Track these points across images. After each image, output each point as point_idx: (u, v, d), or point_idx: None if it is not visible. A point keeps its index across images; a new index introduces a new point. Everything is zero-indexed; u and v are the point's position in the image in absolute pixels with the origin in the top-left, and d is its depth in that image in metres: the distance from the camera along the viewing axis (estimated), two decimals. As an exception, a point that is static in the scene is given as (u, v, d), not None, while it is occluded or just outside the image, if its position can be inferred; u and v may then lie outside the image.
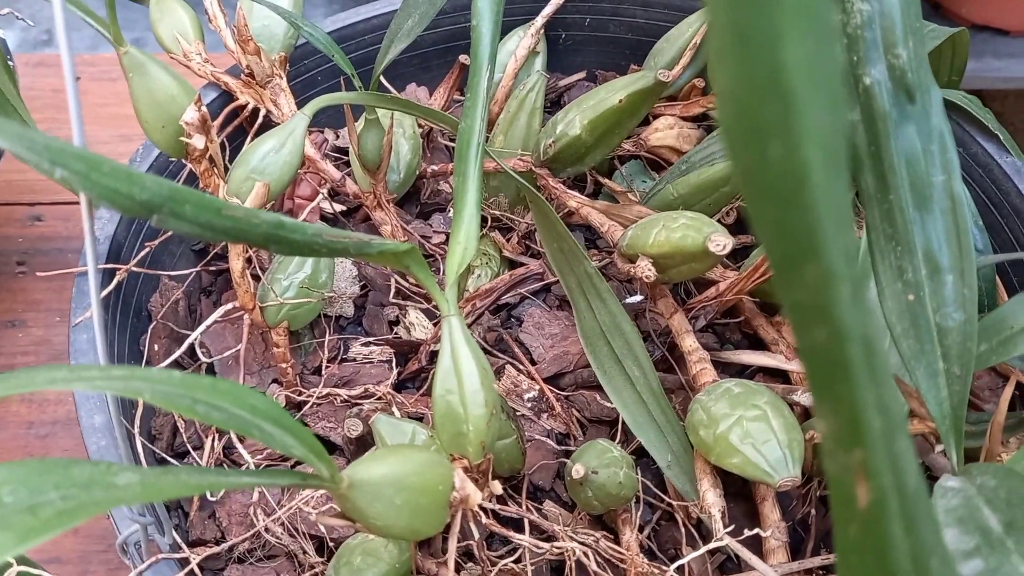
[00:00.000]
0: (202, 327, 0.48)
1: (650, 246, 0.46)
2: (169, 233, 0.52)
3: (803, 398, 0.46)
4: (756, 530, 0.42)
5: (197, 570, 0.40)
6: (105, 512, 0.24)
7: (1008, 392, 0.39)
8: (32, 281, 0.73)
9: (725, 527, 0.43)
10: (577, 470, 0.42)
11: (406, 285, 0.55)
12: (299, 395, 0.50)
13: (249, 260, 0.52)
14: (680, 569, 0.42)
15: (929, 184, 0.36)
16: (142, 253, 0.51)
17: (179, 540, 0.40)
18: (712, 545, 0.41)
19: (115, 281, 0.48)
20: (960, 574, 0.27)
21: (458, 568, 0.46)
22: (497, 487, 0.39)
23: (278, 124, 0.52)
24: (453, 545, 0.36)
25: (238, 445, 0.47)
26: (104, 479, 0.24)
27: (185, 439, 0.48)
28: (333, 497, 0.32)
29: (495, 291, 0.52)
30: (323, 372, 0.51)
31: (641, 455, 0.50)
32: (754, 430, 0.42)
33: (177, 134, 0.44)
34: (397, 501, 0.32)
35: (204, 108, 0.43)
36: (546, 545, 0.41)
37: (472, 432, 0.38)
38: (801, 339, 0.18)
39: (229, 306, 0.48)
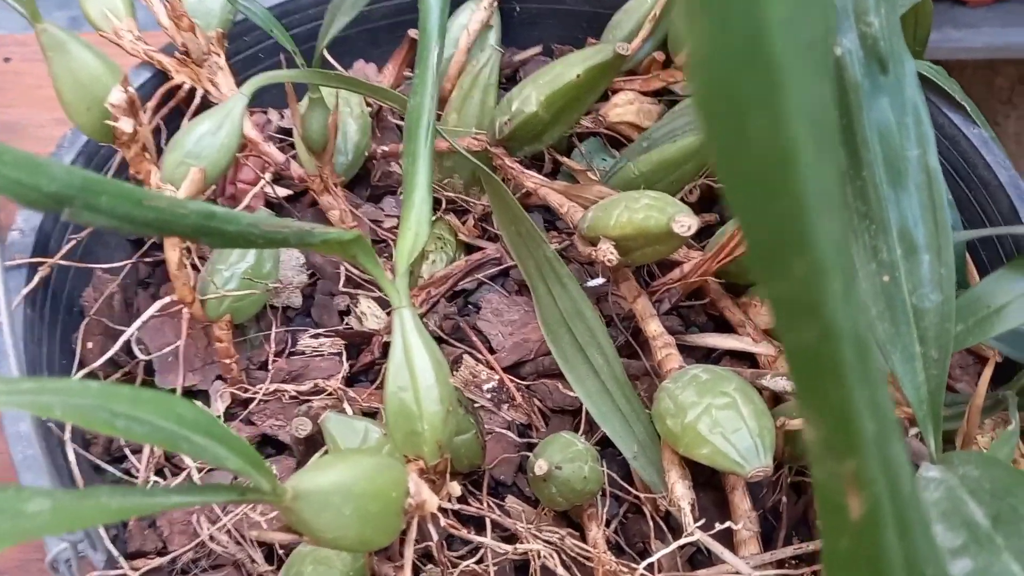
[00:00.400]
0: (138, 323, 0.45)
1: (612, 228, 0.44)
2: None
3: (772, 383, 0.44)
4: (727, 523, 0.40)
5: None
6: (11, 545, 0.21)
7: (987, 374, 0.38)
8: None
9: (695, 519, 0.41)
10: (540, 466, 0.40)
11: (357, 273, 0.52)
12: (245, 392, 0.48)
13: (188, 250, 0.49)
14: (650, 566, 0.41)
15: (904, 159, 0.34)
16: (71, 244, 0.47)
17: (116, 553, 0.38)
18: (683, 541, 0.40)
19: (38, 277, 0.44)
20: (950, 574, 0.26)
21: (416, 571, 0.44)
22: (455, 488, 0.37)
23: (217, 104, 0.49)
24: (410, 552, 0.34)
25: (186, 458, 0.44)
26: (11, 506, 0.21)
27: (123, 442, 0.45)
28: (278, 509, 0.29)
29: (451, 277, 0.49)
30: (270, 367, 0.49)
31: (606, 445, 0.48)
32: (723, 419, 0.40)
33: (103, 117, 0.40)
34: (346, 511, 0.30)
35: (131, 89, 0.39)
36: (508, 547, 0.39)
37: (427, 431, 0.36)
38: (786, 338, 0.16)
39: (167, 300, 0.45)
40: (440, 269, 0.51)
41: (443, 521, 0.39)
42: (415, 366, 0.36)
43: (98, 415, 0.23)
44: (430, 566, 0.44)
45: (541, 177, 0.52)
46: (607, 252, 0.43)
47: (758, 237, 0.14)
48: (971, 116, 0.56)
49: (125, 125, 0.40)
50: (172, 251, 0.44)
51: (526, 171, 0.52)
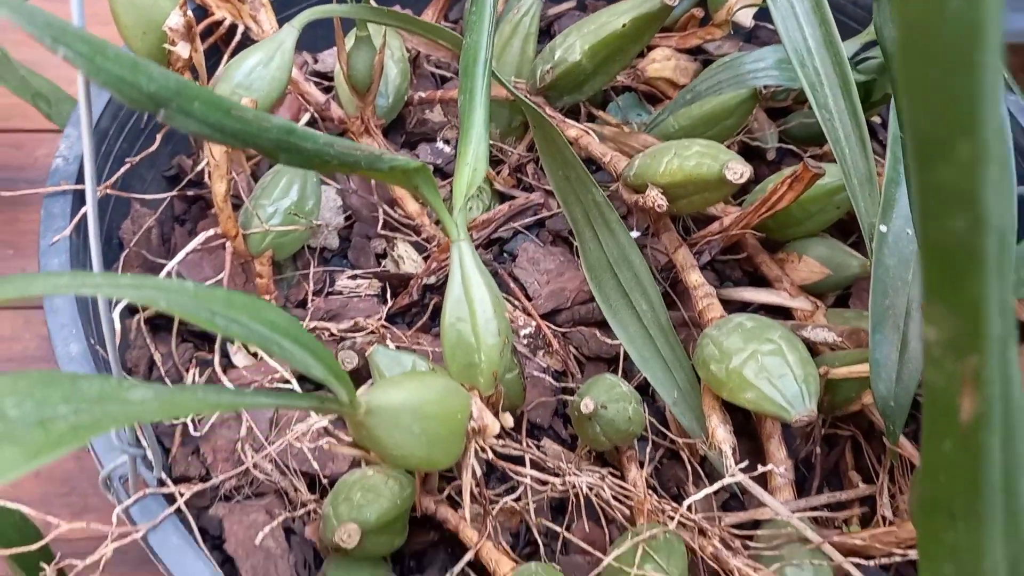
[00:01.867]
0: (180, 255, 0.45)
1: (661, 175, 0.44)
2: (139, 156, 0.48)
3: (812, 333, 0.45)
4: (769, 466, 0.40)
5: (184, 508, 0.38)
6: (121, 427, 0.21)
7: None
8: (24, 212, 0.68)
9: (736, 464, 0.41)
10: (586, 404, 0.41)
11: (394, 216, 0.52)
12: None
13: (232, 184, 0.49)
14: (688, 507, 0.41)
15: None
16: (112, 178, 0.47)
17: (165, 476, 0.38)
18: (724, 482, 0.40)
19: (83, 211, 0.44)
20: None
21: (456, 507, 0.44)
22: (508, 420, 0.37)
23: (256, 42, 0.48)
24: (468, 478, 0.34)
25: (222, 377, 0.44)
26: (117, 394, 0.21)
27: (163, 372, 0.45)
28: (348, 424, 0.30)
29: (493, 222, 0.49)
30: (308, 305, 0.49)
31: (642, 392, 0.48)
32: (770, 364, 0.41)
33: (160, 41, 0.40)
34: (416, 429, 0.30)
35: (190, 13, 0.39)
36: (555, 479, 0.39)
37: (484, 362, 0.36)
38: (931, 227, 0.16)
39: (210, 232, 0.44)
40: (479, 215, 0.51)
41: (488, 454, 0.39)
42: (474, 299, 0.36)
43: (200, 312, 0.23)
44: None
45: (583, 126, 0.52)
46: (656, 198, 0.44)
47: (928, 120, 0.15)
48: (1008, 84, 0.56)
49: (182, 50, 0.39)
50: (219, 183, 0.44)
51: (567, 120, 0.52)
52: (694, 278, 0.47)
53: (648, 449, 0.45)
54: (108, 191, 0.47)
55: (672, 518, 0.40)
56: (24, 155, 0.73)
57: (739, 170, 0.42)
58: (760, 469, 0.40)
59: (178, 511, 0.38)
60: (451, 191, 0.39)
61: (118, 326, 0.41)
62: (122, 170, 0.47)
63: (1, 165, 0.72)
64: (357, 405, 0.29)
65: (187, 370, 0.45)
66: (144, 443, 0.35)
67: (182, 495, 0.37)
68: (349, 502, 0.38)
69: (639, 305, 0.45)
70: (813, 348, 0.47)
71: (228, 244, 0.46)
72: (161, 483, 0.37)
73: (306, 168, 0.31)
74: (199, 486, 0.41)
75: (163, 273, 0.45)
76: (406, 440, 0.30)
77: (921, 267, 0.18)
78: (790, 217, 0.50)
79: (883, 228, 0.40)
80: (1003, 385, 0.19)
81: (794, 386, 0.40)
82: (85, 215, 0.43)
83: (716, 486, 0.40)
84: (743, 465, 0.41)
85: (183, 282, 0.24)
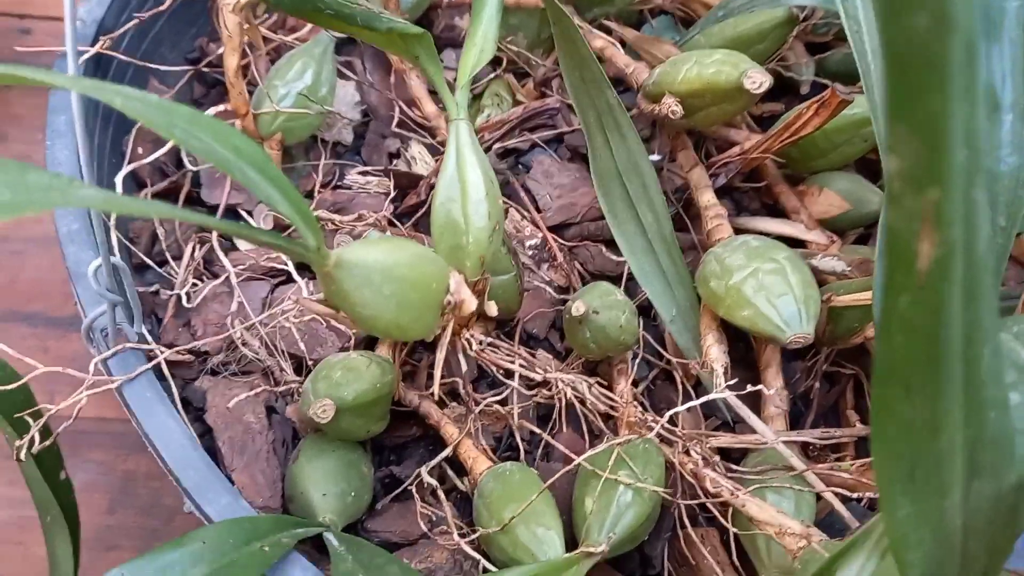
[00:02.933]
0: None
1: (680, 83, 0.43)
2: (159, 26, 0.48)
3: (822, 262, 0.43)
4: (759, 386, 0.39)
5: (165, 366, 0.38)
6: (59, 207, 0.21)
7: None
8: (16, 96, 0.69)
9: (726, 383, 0.40)
10: (578, 307, 0.40)
11: (411, 116, 0.52)
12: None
13: (246, 68, 0.49)
14: (673, 423, 0.40)
15: (1001, 10, 0.32)
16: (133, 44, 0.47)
17: (148, 335, 0.38)
18: (711, 396, 0.39)
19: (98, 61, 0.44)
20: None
21: (442, 405, 0.44)
22: (492, 308, 0.37)
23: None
24: (441, 356, 0.34)
25: (220, 255, 0.44)
26: (63, 187, 0.21)
27: (164, 246, 0.45)
28: (318, 277, 0.29)
29: (507, 123, 0.48)
30: (316, 195, 0.48)
31: (644, 314, 0.47)
32: (769, 283, 0.40)
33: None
34: (385, 290, 0.30)
35: None
36: (542, 387, 0.39)
37: (472, 244, 0.36)
38: (891, 29, 0.15)
39: (221, 108, 0.44)
40: (492, 117, 0.50)
41: (473, 347, 0.39)
42: (467, 179, 0.36)
43: (158, 119, 0.23)
44: (454, 403, 0.44)
45: (609, 38, 0.51)
46: (671, 104, 0.42)
47: None
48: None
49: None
50: (232, 56, 0.43)
51: (595, 30, 0.51)
52: (706, 198, 0.46)
53: (637, 365, 0.44)
54: (127, 58, 0.46)
55: (652, 428, 0.39)
56: (62, 41, 0.74)
57: (758, 79, 0.40)
58: (749, 388, 0.39)
59: (159, 374, 0.38)
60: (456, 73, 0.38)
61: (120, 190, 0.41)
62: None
63: (39, 51, 0.73)
64: (325, 255, 0.28)
65: (187, 243, 0.45)
66: (127, 294, 0.34)
67: (161, 352, 0.37)
68: (328, 380, 0.38)
69: (645, 217, 0.44)
70: (820, 279, 0.45)
71: (237, 123, 0.46)
72: (142, 339, 0.37)
73: (298, 13, 0.30)
74: (186, 358, 0.42)
75: (167, 146, 0.45)
76: (375, 300, 0.29)
77: (884, 83, 0.16)
78: (814, 147, 0.49)
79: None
80: (966, 230, 0.18)
81: (792, 306, 0.39)
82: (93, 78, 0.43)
83: (701, 400, 0.39)
84: (733, 382, 0.40)
85: (147, 94, 0.24)
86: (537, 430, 0.41)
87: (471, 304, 0.32)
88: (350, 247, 0.29)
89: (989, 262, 0.19)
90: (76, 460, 0.57)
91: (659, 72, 0.44)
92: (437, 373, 0.34)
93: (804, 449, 0.44)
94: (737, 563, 0.41)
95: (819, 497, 0.40)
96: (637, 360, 0.44)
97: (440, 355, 0.34)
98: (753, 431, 0.41)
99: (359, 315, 0.30)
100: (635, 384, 0.45)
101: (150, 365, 0.36)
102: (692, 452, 0.38)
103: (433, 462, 0.41)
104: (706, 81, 0.42)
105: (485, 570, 0.36)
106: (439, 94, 0.36)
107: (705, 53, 0.43)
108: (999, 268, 0.33)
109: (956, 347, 0.19)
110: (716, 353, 0.42)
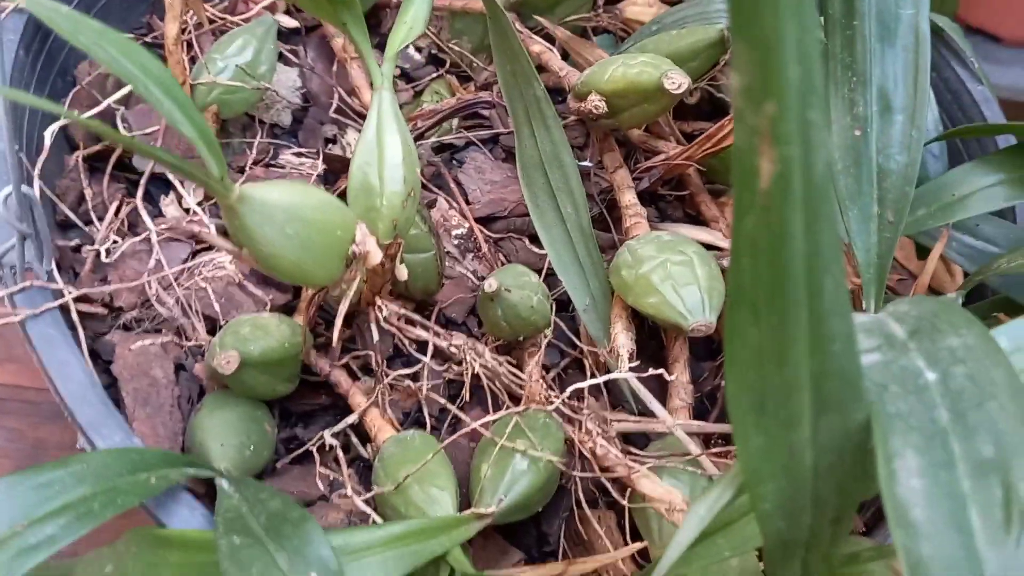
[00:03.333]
0: (121, 93, 0.45)
1: (605, 82, 0.45)
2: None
3: (732, 263, 0.45)
4: (660, 371, 0.40)
5: (75, 314, 0.38)
6: None
7: (938, 250, 0.38)
8: None
9: (632, 370, 0.41)
10: (490, 283, 0.41)
11: (351, 104, 0.53)
12: (219, 189, 0.48)
13: (189, 44, 0.49)
14: (580, 400, 0.41)
15: (896, 17, 0.34)
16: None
17: (58, 277, 0.38)
18: (614, 375, 0.40)
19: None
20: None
21: (354, 377, 0.44)
22: (403, 272, 0.38)
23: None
24: (343, 308, 0.34)
25: (144, 215, 0.44)
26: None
27: (90, 206, 0.46)
28: (222, 210, 0.30)
29: (439, 113, 0.50)
30: (247, 171, 0.49)
31: (562, 308, 0.48)
32: (677, 273, 0.41)
33: None
34: (288, 230, 0.30)
35: None
36: (446, 344, 0.39)
37: (385, 207, 0.37)
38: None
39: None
40: (426, 107, 0.52)
41: (384, 313, 0.39)
42: (385, 143, 0.37)
43: (67, 25, 0.24)
44: (366, 377, 0.45)
45: (546, 43, 0.53)
46: (594, 100, 0.44)
47: None
48: (976, 75, 0.57)
49: None
50: (172, 24, 0.44)
51: (533, 36, 0.53)
52: (627, 198, 0.48)
53: (550, 353, 0.45)
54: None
55: (553, 403, 0.40)
56: None
57: (678, 80, 0.42)
58: (651, 372, 0.40)
59: (67, 316, 0.39)
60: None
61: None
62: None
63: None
64: (229, 186, 0.29)
65: (112, 202, 0.46)
66: (37, 227, 0.35)
67: (69, 292, 0.37)
68: (236, 335, 0.38)
69: (564, 207, 0.45)
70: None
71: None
72: (50, 277, 0.37)
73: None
74: (99, 310, 0.42)
75: (95, 111, 0.45)
76: (277, 239, 0.30)
77: (728, 6, 0.18)
78: (736, 160, 0.50)
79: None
80: (804, 149, 0.19)
81: (696, 295, 0.40)
82: (34, 36, 0.43)
83: (604, 378, 0.40)
84: (636, 364, 0.41)
85: (60, 4, 0.25)
86: (444, 401, 0.42)
87: (376, 256, 0.33)
88: (254, 184, 0.30)
89: (827, 188, 0.20)
90: (-14, 426, 0.56)
91: (588, 72, 0.46)
92: (338, 322, 0.34)
93: (706, 444, 0.45)
94: (631, 543, 0.41)
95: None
96: (546, 344, 0.44)
97: (343, 306, 0.34)
98: (655, 418, 0.42)
99: (260, 253, 0.30)
100: (546, 370, 0.46)
101: (57, 303, 0.36)
102: (591, 427, 0.39)
103: (339, 426, 0.41)
104: (630, 81, 0.43)
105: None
106: (364, 63, 0.37)
107: (632, 56, 0.45)
108: (885, 261, 0.35)
109: (799, 272, 0.21)
110: (623, 340, 0.43)
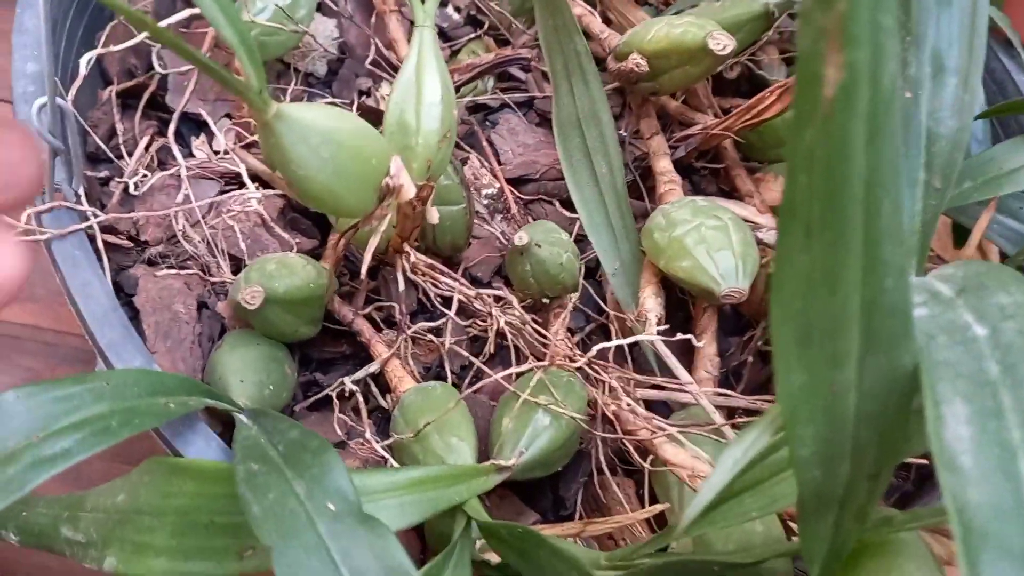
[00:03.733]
0: (164, 22, 0.45)
1: (648, 42, 0.44)
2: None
3: (767, 235, 0.44)
4: (688, 336, 0.39)
5: (98, 234, 0.38)
6: None
7: (984, 220, 0.37)
8: None
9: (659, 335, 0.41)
10: (520, 237, 0.40)
11: (387, 57, 0.52)
12: (249, 135, 0.48)
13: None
14: (603, 367, 0.40)
15: (955, -25, 0.33)
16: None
17: (86, 204, 0.37)
18: (640, 337, 0.39)
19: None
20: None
21: (376, 328, 0.43)
22: (434, 214, 0.37)
23: None
24: (371, 246, 0.33)
25: (175, 150, 0.44)
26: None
27: (120, 141, 0.45)
28: (257, 127, 0.29)
29: (476, 67, 0.49)
30: (280, 118, 0.48)
31: (590, 274, 0.48)
32: (711, 237, 0.40)
33: None
34: (323, 152, 0.30)
35: None
36: (471, 296, 0.39)
37: (421, 146, 0.36)
38: None
39: (196, 10, 0.44)
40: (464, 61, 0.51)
41: (411, 260, 0.39)
42: (424, 82, 0.36)
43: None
44: (389, 330, 0.44)
45: (587, 6, 0.52)
46: (636, 60, 0.43)
47: None
48: (1022, 64, 0.55)
49: None
50: (214, -39, 0.44)
51: (576, -1, 0.52)
52: (662, 164, 0.47)
53: (576, 317, 0.44)
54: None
55: (576, 362, 0.39)
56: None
57: (723, 41, 0.41)
58: (679, 336, 0.39)
59: (92, 244, 0.38)
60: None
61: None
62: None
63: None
64: (267, 100, 0.28)
65: (144, 144, 0.45)
66: (69, 143, 0.34)
67: (96, 216, 0.37)
68: (262, 271, 0.38)
69: (599, 167, 0.44)
70: (763, 253, 0.46)
71: (210, 31, 0.46)
72: (78, 200, 0.37)
73: None
74: (126, 243, 0.41)
75: (136, 39, 0.45)
76: (311, 160, 0.30)
77: None
78: (774, 136, 0.50)
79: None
80: (873, 55, 0.18)
81: (730, 260, 0.39)
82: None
83: (630, 339, 0.39)
84: (664, 328, 0.40)
85: None
86: (467, 354, 0.41)
87: (410, 190, 0.32)
88: (293, 104, 0.29)
89: (894, 102, 0.19)
90: (5, 364, 0.56)
91: (630, 32, 0.46)
92: (367, 256, 0.34)
93: (731, 419, 0.45)
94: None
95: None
96: (572, 305, 0.44)
97: (372, 241, 0.34)
98: (681, 388, 0.41)
99: (293, 175, 0.30)
100: (571, 334, 0.45)
101: (83, 225, 0.36)
102: (615, 388, 0.38)
103: (360, 373, 0.41)
104: (673, 40, 0.43)
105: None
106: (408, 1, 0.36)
107: (676, 17, 0.44)
108: (929, 229, 0.34)
109: (857, 190, 0.20)
110: (652, 304, 0.42)
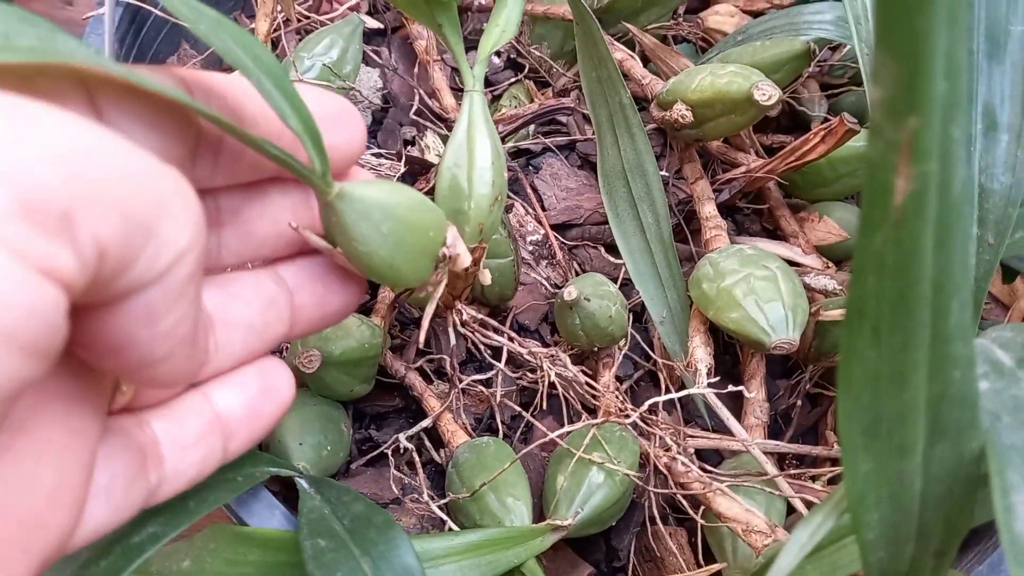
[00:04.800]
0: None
1: (692, 92, 0.44)
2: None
3: (815, 280, 0.44)
4: (740, 388, 0.40)
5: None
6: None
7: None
8: None
9: (709, 386, 0.41)
10: (570, 292, 0.40)
11: (430, 106, 0.53)
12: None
13: (276, 41, 0.50)
14: (652, 414, 0.41)
15: (1006, 32, 0.33)
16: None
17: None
18: (692, 391, 0.40)
19: None
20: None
21: (427, 380, 0.44)
22: (487, 276, 0.37)
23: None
24: (431, 309, 0.34)
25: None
26: (73, 45, 0.22)
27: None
28: (319, 206, 0.30)
29: (521, 117, 0.49)
30: (328, 170, 0.49)
31: (636, 319, 0.48)
32: (760, 288, 0.40)
33: None
34: (384, 228, 0.30)
35: None
36: (523, 351, 0.39)
37: (473, 211, 0.36)
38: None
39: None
40: (507, 111, 0.52)
41: (464, 317, 0.39)
42: (475, 146, 0.37)
43: (189, 12, 0.24)
44: (439, 381, 0.45)
45: (629, 51, 0.52)
46: (681, 110, 0.43)
47: None
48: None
49: None
50: (262, 22, 0.45)
51: (616, 43, 0.52)
52: (708, 209, 0.47)
53: (624, 364, 0.44)
54: (164, 14, 0.48)
55: (629, 417, 0.39)
56: None
57: (768, 92, 0.41)
58: (730, 389, 0.40)
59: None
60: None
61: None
62: None
63: None
64: (330, 182, 0.29)
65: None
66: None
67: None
68: (318, 334, 0.39)
69: (645, 217, 0.44)
70: (811, 297, 0.46)
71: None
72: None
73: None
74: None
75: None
76: (372, 236, 0.30)
77: (873, 15, 0.17)
78: (819, 176, 0.50)
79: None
80: (942, 166, 0.18)
81: (780, 311, 0.39)
82: None
83: (682, 393, 0.39)
84: (715, 380, 0.40)
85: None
86: (518, 408, 0.42)
87: (466, 259, 0.33)
88: (353, 182, 0.30)
89: (963, 207, 0.19)
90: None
91: (673, 81, 0.46)
92: (424, 323, 0.34)
93: (780, 464, 0.45)
94: (703, 563, 0.41)
95: (791, 510, 0.40)
96: (622, 355, 0.44)
97: (429, 307, 0.34)
98: (730, 435, 0.41)
99: (355, 250, 0.30)
100: (619, 381, 0.46)
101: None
102: (668, 442, 0.39)
103: (414, 429, 0.41)
104: (718, 90, 0.43)
105: (451, 531, 0.36)
106: (457, 65, 0.37)
107: (719, 66, 0.44)
108: (983, 284, 0.34)
109: (926, 291, 0.20)
110: (701, 354, 0.42)
